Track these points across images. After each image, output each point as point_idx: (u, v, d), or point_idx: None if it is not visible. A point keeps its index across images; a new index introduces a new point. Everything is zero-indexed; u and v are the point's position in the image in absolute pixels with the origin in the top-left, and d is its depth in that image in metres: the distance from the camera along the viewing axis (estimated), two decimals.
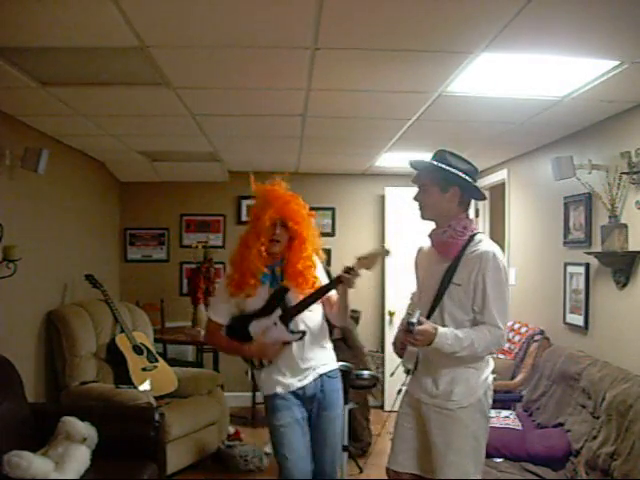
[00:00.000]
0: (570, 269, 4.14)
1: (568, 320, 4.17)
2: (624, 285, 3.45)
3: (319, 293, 2.72)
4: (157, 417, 3.44)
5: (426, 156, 5.85)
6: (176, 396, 4.41)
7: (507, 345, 4.68)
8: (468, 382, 2.48)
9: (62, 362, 4.17)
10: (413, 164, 2.62)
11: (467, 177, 2.48)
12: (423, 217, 2.58)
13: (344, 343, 4.66)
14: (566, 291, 4.19)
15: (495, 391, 4.18)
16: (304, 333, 2.72)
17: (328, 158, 5.57)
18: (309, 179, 6.43)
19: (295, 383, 2.74)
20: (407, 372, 2.65)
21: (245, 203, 6.34)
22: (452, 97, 3.28)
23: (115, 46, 2.57)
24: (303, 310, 2.72)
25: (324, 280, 2.83)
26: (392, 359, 6.18)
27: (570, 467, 3.18)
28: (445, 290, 2.47)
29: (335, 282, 2.67)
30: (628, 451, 2.78)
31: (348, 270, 2.60)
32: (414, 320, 2.33)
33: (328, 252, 6.50)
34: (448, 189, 2.49)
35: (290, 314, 2.72)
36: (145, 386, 4.19)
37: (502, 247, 5.67)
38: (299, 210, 2.79)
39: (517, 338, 4.61)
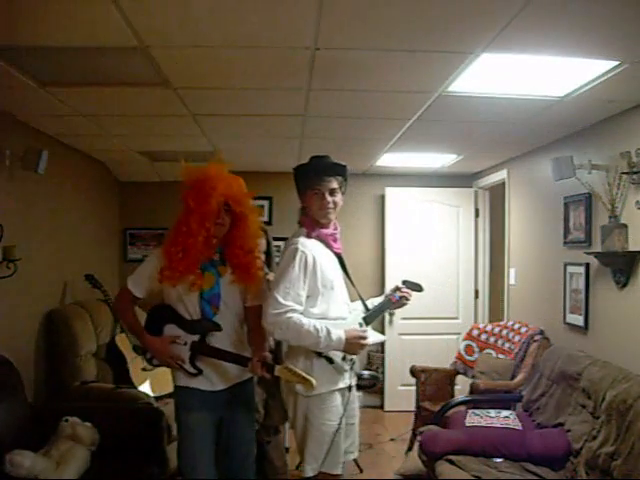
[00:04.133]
0: (570, 269, 4.15)
1: (568, 320, 4.17)
2: (624, 285, 3.46)
3: (236, 361, 2.64)
4: (157, 417, 3.45)
5: (427, 156, 5.82)
6: None
7: (507, 345, 4.68)
8: None
9: (62, 362, 4.16)
10: (334, 169, 2.70)
11: None
12: (331, 219, 2.72)
13: None
14: (566, 291, 4.19)
15: (495, 391, 4.25)
16: (200, 372, 2.66)
17: None
18: None
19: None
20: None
21: None
22: (452, 97, 3.28)
23: (115, 46, 2.57)
24: (213, 357, 2.65)
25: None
26: (392, 359, 6.19)
27: (570, 467, 3.18)
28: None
29: (245, 362, 2.62)
30: (628, 451, 2.77)
31: (266, 364, 2.57)
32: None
33: None
34: (344, 190, 2.76)
35: (202, 351, 2.65)
36: (145, 386, 4.18)
37: (502, 247, 5.70)
38: (242, 191, 2.71)
39: (517, 338, 4.60)
